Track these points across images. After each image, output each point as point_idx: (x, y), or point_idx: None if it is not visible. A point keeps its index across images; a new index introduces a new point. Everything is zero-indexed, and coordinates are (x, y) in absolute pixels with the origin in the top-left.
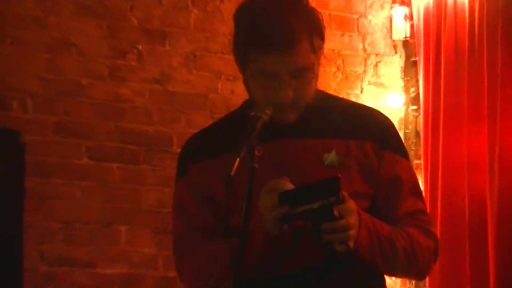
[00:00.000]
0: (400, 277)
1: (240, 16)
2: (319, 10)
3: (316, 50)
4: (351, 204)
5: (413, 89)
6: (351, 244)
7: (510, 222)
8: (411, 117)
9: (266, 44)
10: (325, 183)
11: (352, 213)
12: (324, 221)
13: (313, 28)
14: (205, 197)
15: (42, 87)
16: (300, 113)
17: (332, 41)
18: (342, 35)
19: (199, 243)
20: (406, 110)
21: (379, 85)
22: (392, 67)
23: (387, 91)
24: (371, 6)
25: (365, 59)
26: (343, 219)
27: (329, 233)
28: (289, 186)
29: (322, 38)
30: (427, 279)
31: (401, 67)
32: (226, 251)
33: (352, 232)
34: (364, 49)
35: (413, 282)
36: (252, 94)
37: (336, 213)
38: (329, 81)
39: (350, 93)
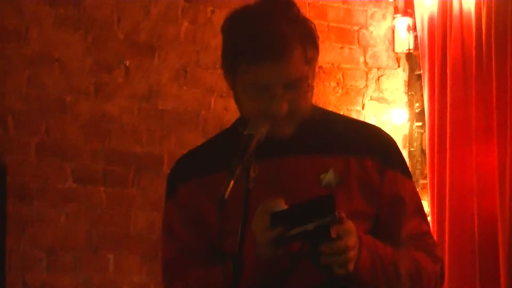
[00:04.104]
0: None
1: (229, 26)
2: (317, 21)
3: (310, 60)
4: (349, 224)
5: (417, 104)
6: (351, 266)
7: None
8: (416, 133)
9: (257, 53)
10: (319, 201)
11: (350, 234)
12: (320, 243)
13: (306, 37)
14: (196, 219)
15: (23, 104)
16: (296, 127)
17: (331, 54)
18: (342, 47)
19: (190, 269)
20: (411, 126)
21: (381, 100)
22: (395, 81)
23: (390, 107)
24: (372, 17)
25: (367, 73)
26: (341, 240)
27: (327, 255)
28: (284, 206)
29: (316, 48)
30: None
31: (405, 81)
32: (219, 277)
33: (352, 254)
34: (366, 63)
35: None
36: (243, 111)
37: (333, 233)
38: (328, 97)
39: (351, 109)
